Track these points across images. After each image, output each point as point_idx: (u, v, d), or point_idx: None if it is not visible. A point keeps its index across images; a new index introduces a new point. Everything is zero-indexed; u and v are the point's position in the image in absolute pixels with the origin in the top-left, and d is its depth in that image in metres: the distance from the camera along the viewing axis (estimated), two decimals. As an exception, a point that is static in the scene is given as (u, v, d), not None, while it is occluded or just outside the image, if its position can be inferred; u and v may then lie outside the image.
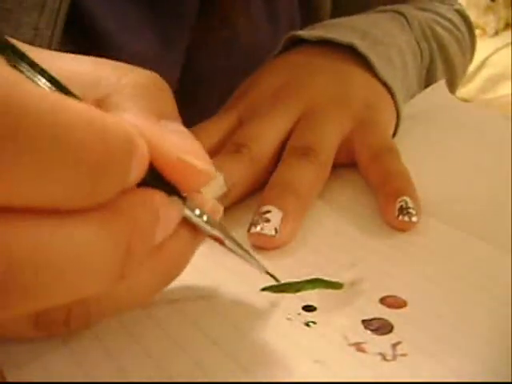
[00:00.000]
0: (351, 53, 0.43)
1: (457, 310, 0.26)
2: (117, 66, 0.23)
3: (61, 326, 0.21)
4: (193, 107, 0.47)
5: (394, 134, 0.43)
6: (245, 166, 0.34)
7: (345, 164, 0.38)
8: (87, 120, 0.16)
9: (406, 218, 0.32)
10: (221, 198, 0.32)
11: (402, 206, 0.32)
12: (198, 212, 0.23)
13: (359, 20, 0.49)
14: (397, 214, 0.32)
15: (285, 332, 0.25)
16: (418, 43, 0.51)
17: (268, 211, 0.31)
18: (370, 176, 0.36)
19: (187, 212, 0.22)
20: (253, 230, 0.30)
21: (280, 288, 0.27)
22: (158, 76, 0.23)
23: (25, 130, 0.14)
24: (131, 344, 0.24)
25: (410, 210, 0.32)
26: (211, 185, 0.32)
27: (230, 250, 0.25)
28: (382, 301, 0.27)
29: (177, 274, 0.23)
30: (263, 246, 0.30)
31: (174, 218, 0.21)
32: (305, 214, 0.33)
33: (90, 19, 0.39)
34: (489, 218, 0.33)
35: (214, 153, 0.36)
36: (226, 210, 0.33)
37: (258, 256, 0.30)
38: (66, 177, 0.16)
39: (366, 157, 0.37)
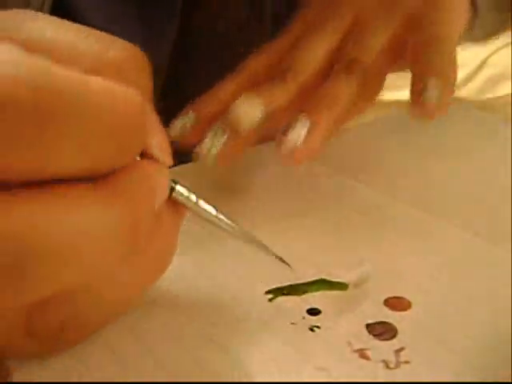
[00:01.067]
0: None
1: (460, 313, 0.26)
2: (98, 38, 0.22)
3: (56, 331, 0.21)
4: (188, 87, 0.47)
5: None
6: (290, 92, 0.35)
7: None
8: (106, 90, 0.17)
9: (434, 100, 0.32)
10: (262, 120, 0.33)
11: (427, 88, 0.32)
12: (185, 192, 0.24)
13: None
14: (422, 98, 0.32)
15: (289, 338, 0.25)
16: None
17: (298, 120, 0.32)
18: (413, 66, 0.35)
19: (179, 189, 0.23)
20: (281, 136, 0.32)
21: (285, 291, 0.27)
22: (138, 50, 0.22)
23: (61, 109, 0.16)
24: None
25: (435, 93, 0.32)
26: (250, 110, 0.33)
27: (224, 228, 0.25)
28: (387, 302, 0.27)
29: (170, 257, 0.23)
30: (289, 152, 0.32)
31: (165, 183, 0.22)
32: (332, 128, 0.33)
33: (76, 13, 0.39)
34: (491, 219, 0.33)
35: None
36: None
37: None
38: (93, 143, 0.17)
39: (416, 50, 0.36)
